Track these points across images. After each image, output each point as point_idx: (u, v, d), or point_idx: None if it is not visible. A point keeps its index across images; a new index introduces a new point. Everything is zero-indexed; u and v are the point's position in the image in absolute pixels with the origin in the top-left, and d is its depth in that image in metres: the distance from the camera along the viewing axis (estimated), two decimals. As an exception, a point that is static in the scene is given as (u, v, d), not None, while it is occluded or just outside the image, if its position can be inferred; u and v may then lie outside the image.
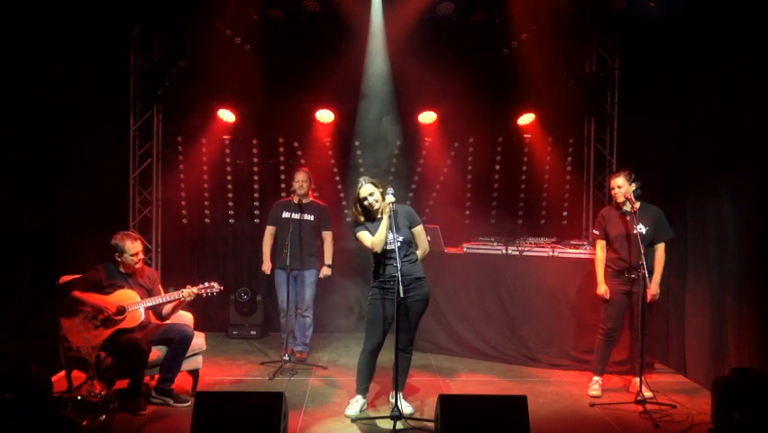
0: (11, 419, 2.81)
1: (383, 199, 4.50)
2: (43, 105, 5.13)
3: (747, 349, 4.80)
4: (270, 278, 6.15)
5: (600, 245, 5.19)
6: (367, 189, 4.53)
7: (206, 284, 4.76)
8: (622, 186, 4.97)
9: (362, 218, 4.58)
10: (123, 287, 4.65)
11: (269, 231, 6.11)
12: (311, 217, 5.97)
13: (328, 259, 6.09)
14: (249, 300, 6.94)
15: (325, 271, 6.08)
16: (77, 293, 4.50)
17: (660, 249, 5.05)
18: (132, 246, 4.69)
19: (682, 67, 5.78)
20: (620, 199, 5.00)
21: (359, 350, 4.65)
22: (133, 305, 4.59)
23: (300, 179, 5.94)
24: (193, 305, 5.02)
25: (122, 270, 4.73)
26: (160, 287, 5.02)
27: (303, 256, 5.88)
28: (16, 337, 4.69)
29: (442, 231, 6.18)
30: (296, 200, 5.91)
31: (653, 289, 4.95)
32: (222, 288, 4.87)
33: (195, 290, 4.70)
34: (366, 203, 4.52)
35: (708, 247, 5.33)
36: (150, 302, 4.69)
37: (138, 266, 4.76)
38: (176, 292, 4.72)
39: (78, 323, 4.48)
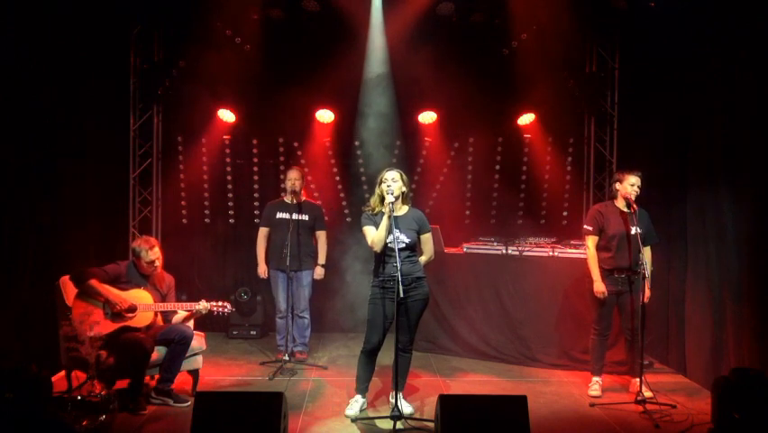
0: (9, 422, 2.81)
1: (401, 197, 4.49)
2: (43, 105, 5.13)
3: (747, 349, 4.79)
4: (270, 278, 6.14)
5: (592, 241, 5.10)
6: (390, 174, 4.48)
7: (221, 303, 4.78)
8: (640, 184, 4.98)
9: (378, 207, 4.53)
10: (139, 287, 4.70)
11: (263, 232, 6.06)
12: (306, 217, 5.92)
13: (322, 259, 6.04)
14: (249, 300, 6.93)
15: (319, 272, 6.04)
16: (94, 282, 4.52)
17: (648, 251, 5.10)
18: (148, 254, 4.73)
19: (682, 67, 5.78)
20: (633, 198, 4.96)
21: (358, 350, 4.64)
22: (146, 307, 4.63)
23: (293, 176, 5.89)
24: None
25: (141, 271, 4.79)
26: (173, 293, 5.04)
27: (300, 257, 5.84)
28: (16, 337, 4.69)
29: (442, 231, 6.19)
30: (288, 200, 5.90)
31: (647, 290, 4.95)
32: (233, 310, 4.94)
33: (209, 305, 4.73)
34: (385, 185, 4.46)
35: (708, 247, 5.33)
36: (163, 307, 4.73)
37: (156, 272, 4.81)
38: (189, 304, 4.75)
39: (89, 311, 4.50)
